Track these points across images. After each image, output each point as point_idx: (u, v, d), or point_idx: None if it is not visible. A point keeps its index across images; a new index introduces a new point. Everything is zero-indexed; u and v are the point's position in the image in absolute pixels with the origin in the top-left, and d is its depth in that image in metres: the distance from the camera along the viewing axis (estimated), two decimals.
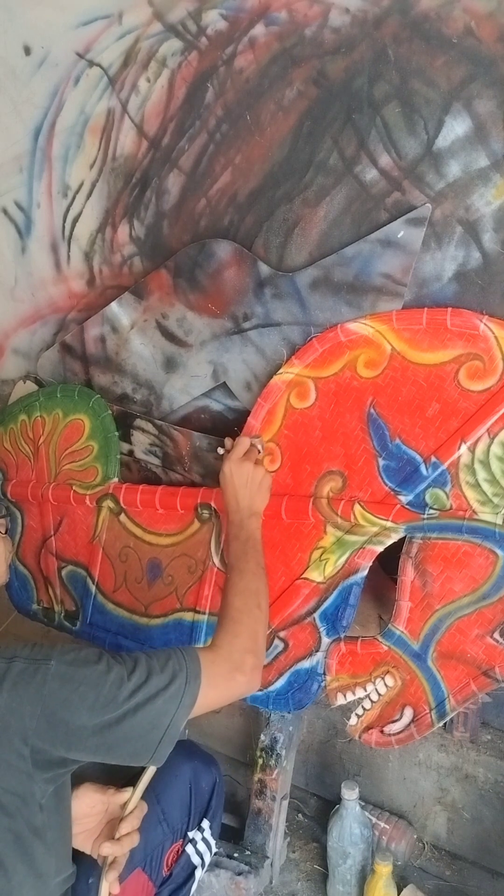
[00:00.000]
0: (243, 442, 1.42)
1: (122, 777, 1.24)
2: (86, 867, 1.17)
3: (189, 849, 1.34)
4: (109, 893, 1.11)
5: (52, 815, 1.04)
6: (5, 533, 1.33)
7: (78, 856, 1.14)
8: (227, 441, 1.46)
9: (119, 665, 1.05)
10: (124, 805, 1.17)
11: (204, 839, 1.36)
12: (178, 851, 1.33)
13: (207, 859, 1.37)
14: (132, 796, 1.16)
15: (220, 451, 1.46)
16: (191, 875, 1.34)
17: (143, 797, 1.17)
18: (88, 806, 1.18)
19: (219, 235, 1.46)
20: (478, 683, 1.29)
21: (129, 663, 1.06)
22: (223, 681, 1.10)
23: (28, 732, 0.98)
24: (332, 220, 1.35)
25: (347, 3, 1.25)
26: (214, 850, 1.40)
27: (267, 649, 1.45)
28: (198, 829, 1.36)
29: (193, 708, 1.06)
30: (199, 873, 1.36)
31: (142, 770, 1.17)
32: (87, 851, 1.16)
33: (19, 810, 0.99)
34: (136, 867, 1.24)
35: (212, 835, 1.38)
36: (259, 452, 1.43)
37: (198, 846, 1.35)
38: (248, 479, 1.37)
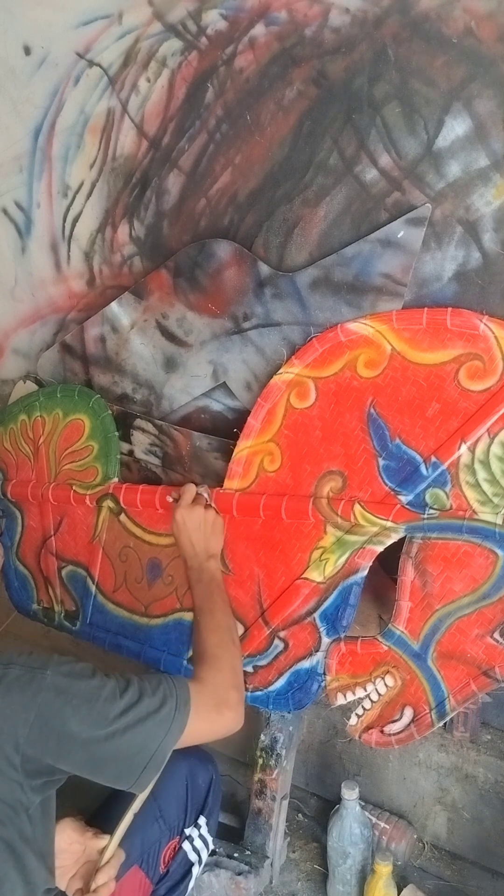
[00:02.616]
0: (190, 489, 1.46)
1: (101, 818, 1.25)
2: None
3: (186, 846, 1.34)
4: None
5: (39, 826, 1.04)
6: None
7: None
8: (174, 492, 1.50)
9: (113, 683, 1.05)
10: (102, 851, 1.17)
11: (201, 836, 1.37)
12: (174, 849, 1.33)
13: (204, 856, 1.38)
14: (109, 844, 1.16)
15: (170, 498, 1.51)
16: (188, 872, 1.34)
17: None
18: (66, 842, 1.18)
19: (219, 235, 1.46)
20: (478, 683, 1.29)
21: (122, 682, 1.07)
22: (211, 713, 1.11)
23: (20, 739, 0.98)
24: (332, 220, 1.35)
25: (347, 3, 1.25)
26: (211, 847, 1.40)
27: (267, 649, 1.45)
28: (194, 827, 1.36)
29: (181, 737, 1.06)
30: (196, 870, 1.36)
31: (121, 816, 1.16)
32: (62, 888, 1.16)
33: (10, 819, 0.99)
34: (132, 864, 1.24)
35: (209, 832, 1.38)
36: (207, 503, 1.46)
37: (195, 843, 1.35)
38: (200, 523, 1.40)
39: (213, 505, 1.46)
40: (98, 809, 1.31)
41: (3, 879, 1.00)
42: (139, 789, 1.08)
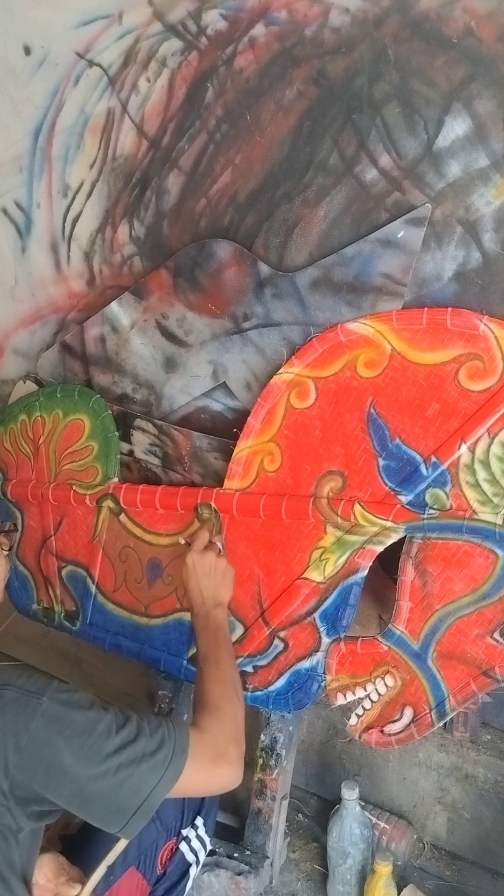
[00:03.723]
0: (203, 535, 1.44)
1: (80, 846, 1.22)
2: None
3: (183, 847, 1.34)
4: None
5: (26, 853, 1.03)
6: (8, 552, 1.30)
7: None
8: (186, 537, 1.49)
9: (110, 717, 1.02)
10: None
11: (198, 836, 1.36)
12: (171, 849, 1.33)
13: (202, 857, 1.38)
14: (81, 892, 1.14)
15: (182, 541, 1.49)
16: (185, 873, 1.34)
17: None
18: (42, 879, 1.15)
19: (219, 235, 1.46)
20: (478, 683, 1.29)
21: (120, 718, 1.03)
22: (209, 765, 1.07)
23: (9, 764, 0.97)
24: (332, 220, 1.35)
25: (347, 3, 1.25)
26: (209, 847, 1.40)
27: (267, 649, 1.45)
28: (191, 827, 1.36)
29: (175, 785, 1.02)
30: (193, 871, 1.36)
31: (95, 865, 1.14)
32: None
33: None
34: (129, 866, 1.24)
35: (206, 832, 1.38)
36: (219, 552, 1.44)
37: (192, 844, 1.35)
38: (210, 570, 1.37)
39: (222, 551, 1.46)
40: (80, 833, 1.28)
41: None
42: (127, 835, 1.04)
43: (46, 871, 1.15)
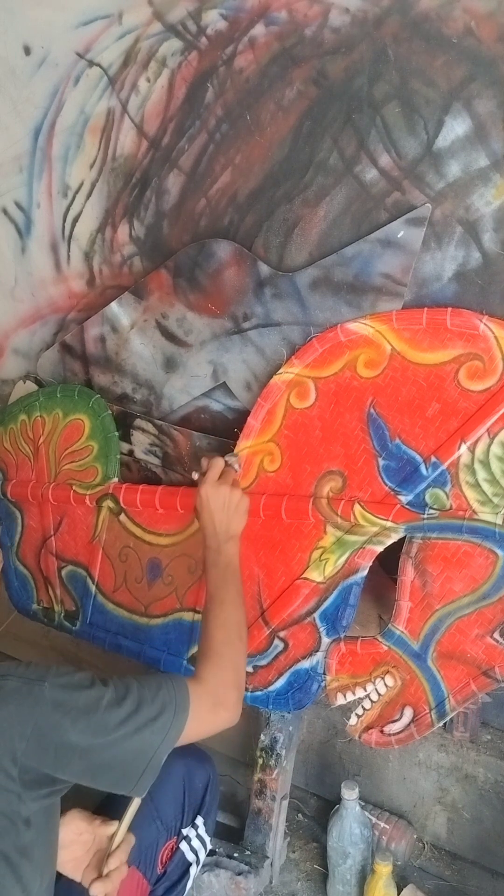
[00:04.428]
0: (218, 463, 1.40)
1: (106, 810, 1.24)
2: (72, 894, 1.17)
3: (183, 846, 1.34)
4: None
5: (41, 834, 1.04)
6: None
7: (60, 881, 1.14)
8: (204, 461, 1.43)
9: (111, 691, 1.05)
10: (111, 837, 1.17)
11: (198, 836, 1.36)
12: (172, 849, 1.33)
13: (202, 856, 1.37)
14: (118, 829, 1.16)
15: (195, 475, 1.43)
16: (185, 872, 1.34)
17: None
18: (75, 833, 1.17)
19: (219, 235, 1.46)
20: (478, 683, 1.29)
21: (121, 689, 1.06)
22: (207, 715, 1.12)
23: (17, 752, 0.98)
24: (332, 220, 1.35)
25: (347, 3, 1.25)
26: (209, 847, 1.40)
27: (267, 649, 1.45)
28: (192, 827, 1.36)
29: (178, 741, 1.08)
30: (193, 870, 1.36)
31: (128, 801, 1.17)
32: (77, 879, 1.16)
33: (7, 830, 0.99)
34: (130, 865, 1.24)
35: (206, 832, 1.38)
36: (236, 471, 1.42)
37: (192, 843, 1.35)
38: (224, 503, 1.36)
39: (239, 470, 1.42)
40: (101, 803, 1.31)
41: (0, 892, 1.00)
42: (139, 793, 1.09)
43: (78, 823, 1.18)
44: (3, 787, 0.97)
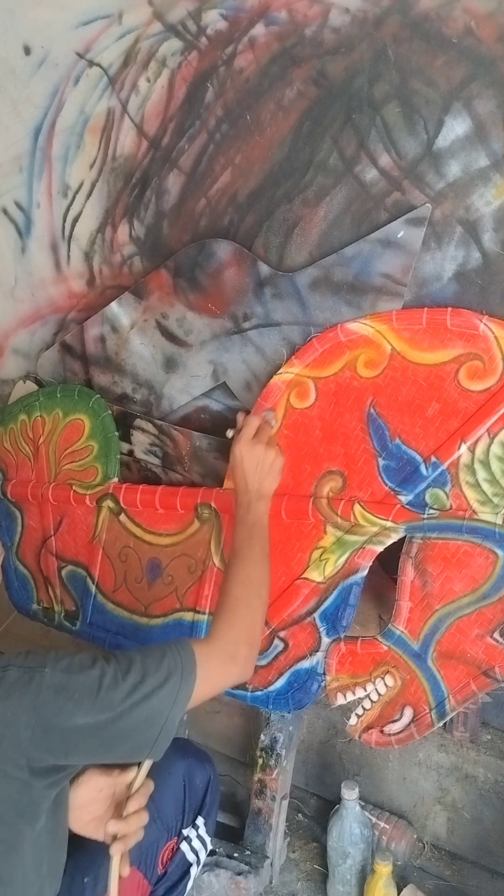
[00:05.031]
0: (253, 421, 1.38)
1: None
2: (81, 866, 1.17)
3: (184, 846, 1.34)
4: (120, 875, 1.10)
5: (49, 821, 1.04)
6: None
7: (72, 855, 1.14)
8: (240, 417, 1.42)
9: (114, 667, 1.04)
10: (130, 784, 1.16)
11: (199, 836, 1.36)
12: (172, 849, 1.33)
13: (203, 857, 1.37)
14: (137, 775, 1.16)
15: (230, 433, 1.41)
16: (186, 873, 1.34)
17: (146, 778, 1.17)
18: (95, 790, 1.17)
19: (219, 235, 1.46)
20: (478, 683, 1.29)
21: (124, 664, 1.05)
22: (217, 673, 1.11)
23: (23, 742, 0.97)
24: (332, 220, 1.35)
25: (347, 3, 1.25)
26: (210, 847, 1.40)
27: (267, 649, 1.45)
28: (192, 827, 1.36)
29: (189, 703, 1.07)
30: (194, 871, 1.35)
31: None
32: (99, 838, 1.16)
33: (14, 820, 0.99)
34: (131, 865, 1.24)
35: (207, 832, 1.38)
36: (271, 427, 1.40)
37: (193, 844, 1.35)
38: (258, 462, 1.34)
39: (275, 426, 1.40)
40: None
41: (6, 882, 0.99)
42: (155, 758, 1.09)
43: (96, 779, 1.17)
44: (11, 777, 0.97)
